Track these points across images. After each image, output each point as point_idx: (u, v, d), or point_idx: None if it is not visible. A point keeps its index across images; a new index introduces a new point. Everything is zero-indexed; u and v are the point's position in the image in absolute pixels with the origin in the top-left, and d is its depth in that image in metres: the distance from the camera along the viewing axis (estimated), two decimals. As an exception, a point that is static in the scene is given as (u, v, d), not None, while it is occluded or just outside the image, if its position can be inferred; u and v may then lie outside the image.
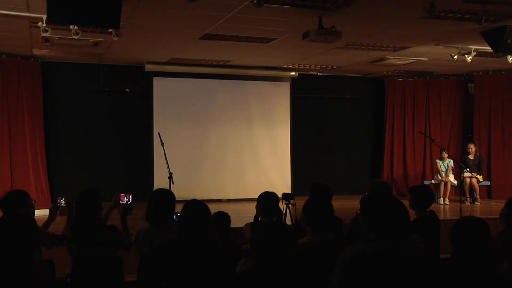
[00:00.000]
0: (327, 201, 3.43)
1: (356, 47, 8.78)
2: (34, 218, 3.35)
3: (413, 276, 2.88)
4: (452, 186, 10.65)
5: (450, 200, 10.52)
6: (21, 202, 4.00)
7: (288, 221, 5.96)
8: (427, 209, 4.49)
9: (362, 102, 12.44)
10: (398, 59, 9.97)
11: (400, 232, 2.99)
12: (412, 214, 3.88)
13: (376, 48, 8.91)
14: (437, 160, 10.85)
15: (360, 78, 12.34)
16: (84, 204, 3.86)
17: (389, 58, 9.87)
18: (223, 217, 4.30)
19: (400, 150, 12.22)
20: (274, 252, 3.14)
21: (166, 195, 4.07)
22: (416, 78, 12.19)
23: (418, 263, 2.96)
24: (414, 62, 10.23)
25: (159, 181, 10.10)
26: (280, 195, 4.77)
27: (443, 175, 10.54)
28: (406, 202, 3.47)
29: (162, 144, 8.12)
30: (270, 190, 4.64)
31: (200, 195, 6.38)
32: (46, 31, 6.67)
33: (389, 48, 8.97)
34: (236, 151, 11.21)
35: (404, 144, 12.21)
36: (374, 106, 12.56)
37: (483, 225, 2.95)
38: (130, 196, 4.32)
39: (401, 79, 12.22)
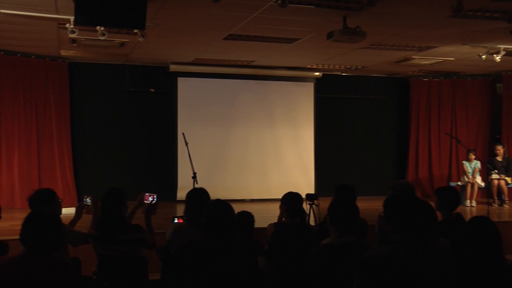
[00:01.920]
0: (351, 201, 3.40)
1: (381, 47, 8.70)
2: (59, 216, 3.40)
3: (437, 279, 2.84)
4: (479, 187, 10.48)
5: (477, 202, 10.34)
6: (48, 200, 4.07)
7: (312, 222, 5.94)
8: (453, 211, 4.42)
9: (387, 103, 12.32)
10: (424, 59, 9.85)
11: (425, 233, 2.95)
12: (438, 216, 3.82)
13: (401, 48, 8.81)
14: (464, 162, 10.68)
15: (385, 78, 12.22)
16: (109, 203, 3.90)
17: (414, 58, 9.75)
18: (247, 217, 4.30)
19: (425, 151, 12.07)
20: (290, 251, 3.13)
21: (203, 194, 4.07)
22: (442, 78, 12.01)
23: (443, 266, 2.92)
24: (440, 62, 10.09)
25: (183, 181, 10.20)
26: (303, 196, 4.75)
27: (470, 176, 10.37)
28: (431, 204, 3.42)
29: (186, 144, 8.18)
30: (293, 190, 4.63)
31: (223, 195, 6.37)
32: (74, 32, 6.78)
33: (414, 48, 8.86)
34: (259, 151, 11.22)
35: (429, 145, 12.06)
36: (399, 107, 12.42)
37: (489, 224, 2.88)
38: (155, 196, 4.35)
39: (426, 79, 12.06)
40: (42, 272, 2.88)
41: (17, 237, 3.07)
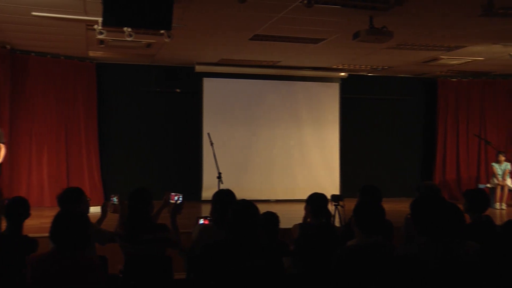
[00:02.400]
0: (377, 203, 3.37)
1: (408, 47, 8.60)
2: (88, 215, 3.45)
3: (465, 281, 2.80)
4: (509, 190, 10.28)
5: (507, 205, 10.14)
6: (77, 199, 4.13)
7: (337, 223, 5.90)
8: (483, 214, 4.34)
9: (414, 103, 12.16)
10: (452, 59, 9.69)
11: (452, 235, 2.91)
12: (466, 218, 3.75)
13: (429, 48, 8.69)
14: (493, 163, 10.48)
15: (412, 79, 12.07)
16: (135, 202, 3.94)
17: (442, 58, 9.61)
18: (272, 217, 4.30)
19: (453, 152, 11.88)
20: (317, 252, 3.12)
21: (229, 195, 4.07)
22: (471, 78, 11.81)
23: (471, 269, 2.87)
24: (469, 62, 9.92)
25: (208, 181, 10.25)
26: (328, 196, 4.72)
27: (500, 178, 10.17)
28: (459, 206, 3.37)
29: (212, 144, 8.22)
30: (318, 191, 4.60)
31: (248, 195, 6.36)
32: (102, 33, 6.88)
33: (442, 48, 8.73)
34: (284, 152, 11.21)
35: (457, 147, 11.87)
36: (426, 107, 12.25)
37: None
38: (180, 196, 4.37)
39: (455, 80, 11.88)
40: (71, 269, 2.93)
41: (46, 234, 3.12)
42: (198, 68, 10.55)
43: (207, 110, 10.87)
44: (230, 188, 4.25)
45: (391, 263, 2.95)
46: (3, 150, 7.54)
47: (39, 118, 9.53)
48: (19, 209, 3.99)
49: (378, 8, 6.21)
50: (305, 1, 5.73)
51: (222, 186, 7.26)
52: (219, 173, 7.97)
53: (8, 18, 6.99)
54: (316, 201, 4.44)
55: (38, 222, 6.87)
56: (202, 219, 4.42)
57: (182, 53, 9.53)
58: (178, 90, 10.83)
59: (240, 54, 9.53)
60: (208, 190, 9.43)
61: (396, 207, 7.26)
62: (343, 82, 11.49)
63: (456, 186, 11.70)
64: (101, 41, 8.11)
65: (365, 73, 11.68)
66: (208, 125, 10.54)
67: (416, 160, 12.20)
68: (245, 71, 10.78)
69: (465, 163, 11.80)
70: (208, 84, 10.91)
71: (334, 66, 10.88)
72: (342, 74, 11.34)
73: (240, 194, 3.96)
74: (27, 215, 4.03)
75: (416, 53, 9.16)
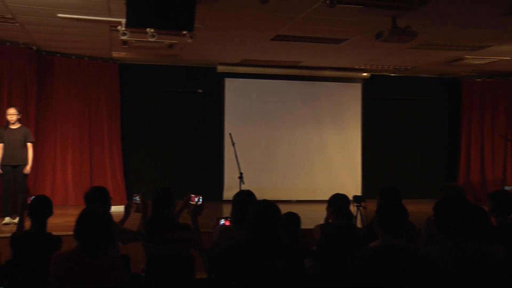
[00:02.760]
0: (401, 205, 3.33)
1: (432, 47, 8.49)
2: (111, 214, 3.48)
3: (488, 284, 2.75)
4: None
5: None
6: (103, 198, 4.19)
7: (358, 224, 5.86)
8: (509, 216, 4.27)
9: (437, 104, 12.02)
10: (477, 59, 9.54)
11: (476, 238, 2.87)
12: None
13: (453, 47, 8.57)
14: (519, 165, 10.29)
15: (435, 79, 11.92)
16: (159, 202, 3.96)
17: (467, 58, 9.46)
18: (293, 218, 4.29)
19: (477, 153, 11.70)
20: (338, 253, 3.10)
21: (250, 196, 4.07)
22: (496, 78, 11.61)
23: (496, 272, 2.82)
24: (494, 61, 9.75)
25: (230, 181, 10.28)
26: (350, 197, 4.69)
27: (526, 180, 9.97)
28: (484, 208, 3.32)
29: (233, 144, 8.24)
30: (339, 192, 4.58)
31: (269, 195, 6.35)
32: (125, 34, 6.96)
33: (467, 48, 8.60)
34: (306, 152, 11.18)
35: (482, 148, 11.69)
36: (449, 108, 12.09)
37: None
38: (201, 197, 4.39)
39: (479, 80, 11.69)
40: (95, 267, 2.97)
41: (71, 233, 3.17)
42: (220, 69, 10.59)
43: (229, 111, 10.91)
44: (251, 188, 4.25)
45: (414, 265, 2.92)
46: (31, 150, 7.67)
47: (64, 118, 9.67)
48: (43, 207, 4.05)
49: (402, 8, 6.15)
50: (327, 1, 5.71)
51: (244, 186, 7.27)
52: (241, 173, 7.99)
53: (35, 20, 7.12)
54: (338, 202, 4.43)
55: (63, 220, 7.00)
56: (223, 220, 4.43)
57: (204, 54, 9.58)
58: (200, 91, 10.88)
59: (262, 55, 9.53)
60: (230, 190, 9.46)
61: (419, 209, 7.15)
62: (365, 83, 11.41)
63: (481, 188, 11.52)
64: (124, 42, 8.20)
65: (387, 74, 11.58)
66: (230, 126, 10.57)
67: (439, 161, 12.05)
68: (266, 71, 10.78)
69: (490, 164, 11.61)
70: (230, 85, 10.94)
71: (356, 67, 10.81)
72: (364, 74, 11.26)
73: (261, 194, 3.96)
74: (50, 213, 4.10)
75: (440, 53, 9.04)
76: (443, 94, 12.06)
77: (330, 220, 4.53)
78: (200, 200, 4.39)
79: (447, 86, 12.05)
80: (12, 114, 7.54)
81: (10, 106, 7.93)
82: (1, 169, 7.53)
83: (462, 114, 11.80)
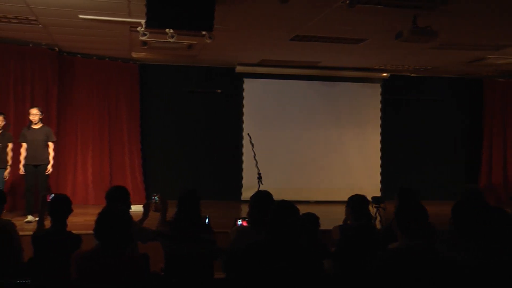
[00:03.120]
0: (421, 206, 3.30)
1: (453, 46, 8.38)
2: (131, 213, 3.51)
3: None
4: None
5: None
6: (123, 197, 4.22)
7: (377, 225, 5.82)
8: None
9: (458, 104, 11.87)
10: (500, 58, 9.39)
11: (495, 240, 2.82)
12: None
13: (475, 47, 8.45)
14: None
15: (456, 79, 11.78)
16: (187, 202, 3.95)
17: (489, 58, 9.33)
18: (312, 219, 4.28)
19: (499, 155, 11.52)
20: (357, 254, 3.08)
21: (267, 197, 4.06)
22: (520, 78, 11.44)
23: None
24: (518, 61, 9.60)
25: (248, 181, 10.29)
26: (369, 198, 4.66)
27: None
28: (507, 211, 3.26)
29: (252, 145, 8.24)
30: (358, 193, 4.56)
31: (288, 196, 6.33)
32: (145, 35, 7.01)
33: (490, 47, 8.47)
34: (325, 153, 11.14)
35: (505, 149, 11.51)
36: (471, 108, 11.93)
37: None
38: (157, 196, 4.57)
39: (502, 80, 11.51)
40: (114, 266, 2.99)
41: (91, 231, 3.20)
42: (239, 69, 10.61)
43: (248, 111, 10.92)
44: (270, 188, 4.24)
45: (434, 266, 2.89)
46: (52, 149, 7.78)
47: (84, 118, 9.79)
48: (62, 206, 4.10)
49: (422, 7, 6.09)
50: (347, 1, 5.68)
51: (262, 187, 7.27)
52: (259, 174, 7.99)
53: (57, 22, 7.22)
54: (357, 203, 4.40)
55: (83, 219, 7.08)
56: (240, 220, 4.43)
57: (223, 54, 9.60)
58: (219, 91, 10.91)
59: (281, 55, 9.52)
60: (248, 191, 9.46)
61: (439, 210, 7.06)
62: (385, 83, 11.33)
63: (503, 190, 11.34)
64: (144, 43, 8.26)
65: (407, 74, 11.47)
66: (248, 126, 10.58)
67: (460, 163, 11.89)
68: (285, 71, 10.77)
69: (513, 166, 11.44)
70: (249, 85, 10.96)
71: (376, 67, 10.74)
72: (384, 74, 11.18)
73: (279, 195, 3.95)
74: (69, 212, 4.15)
75: (462, 53, 8.93)
76: (464, 94, 11.91)
77: (349, 221, 4.50)
78: (156, 198, 4.51)
79: (468, 86, 11.89)
80: (35, 114, 7.67)
81: (33, 106, 8.06)
82: (24, 168, 7.65)
83: (483, 114, 11.63)
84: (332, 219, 5.88)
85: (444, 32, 6.96)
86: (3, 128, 7.65)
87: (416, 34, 6.41)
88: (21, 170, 7.65)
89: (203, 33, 6.89)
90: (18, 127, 8.13)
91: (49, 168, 7.74)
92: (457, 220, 2.97)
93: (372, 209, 5.25)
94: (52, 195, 4.42)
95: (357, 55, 9.28)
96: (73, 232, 4.14)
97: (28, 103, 8.59)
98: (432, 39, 6.61)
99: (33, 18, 7.04)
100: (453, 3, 5.92)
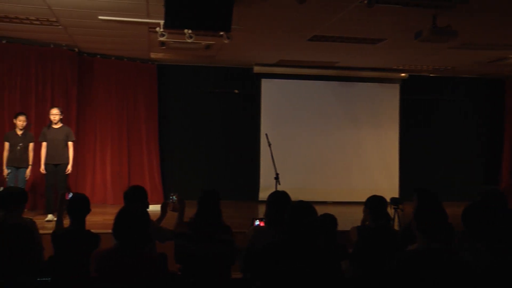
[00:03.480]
0: (440, 207, 3.26)
1: (474, 46, 8.28)
2: (149, 213, 3.53)
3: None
4: None
5: None
6: (141, 197, 4.25)
7: (396, 226, 5.77)
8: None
9: (478, 104, 11.72)
10: (522, 58, 9.26)
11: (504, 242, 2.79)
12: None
13: (496, 47, 8.33)
14: None
15: (476, 79, 11.63)
16: (207, 203, 3.95)
17: (511, 58, 9.18)
18: (330, 219, 4.26)
19: (521, 156, 11.35)
20: (375, 255, 3.05)
21: (284, 197, 4.06)
22: (542, 78, 11.25)
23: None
24: (541, 60, 9.44)
25: (265, 181, 10.28)
26: (387, 199, 4.62)
27: None
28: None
29: (269, 145, 8.24)
30: (376, 193, 4.52)
31: (305, 196, 6.32)
32: (163, 35, 7.05)
33: (511, 47, 8.34)
34: (342, 153, 11.09)
35: (526, 151, 11.33)
36: (491, 109, 11.77)
37: None
38: (174, 196, 4.55)
39: (524, 80, 11.34)
40: (133, 265, 3.02)
41: (109, 230, 3.23)
42: (257, 69, 10.62)
43: (265, 111, 10.92)
44: (287, 189, 4.24)
45: (453, 269, 2.86)
46: (71, 149, 7.86)
47: (103, 118, 9.88)
48: (80, 205, 4.14)
49: (443, 7, 6.02)
50: (366, 1, 5.64)
51: (280, 187, 7.26)
52: (277, 174, 7.98)
53: (77, 23, 7.31)
54: (375, 204, 4.37)
55: (102, 218, 7.16)
56: (257, 220, 4.43)
57: (240, 54, 9.61)
58: (236, 91, 10.93)
59: (299, 55, 9.50)
60: (265, 191, 9.45)
61: (457, 212, 6.98)
62: (403, 83, 11.23)
63: (524, 192, 11.16)
64: (162, 43, 8.31)
65: (426, 74, 11.36)
66: (266, 126, 10.58)
67: (479, 164, 11.73)
68: (303, 72, 10.75)
69: (536, 167, 11.25)
70: (266, 85, 10.95)
71: (394, 67, 10.65)
72: (403, 74, 11.09)
73: (297, 195, 3.94)
74: (88, 211, 4.19)
75: (482, 53, 8.81)
76: (484, 94, 11.75)
77: (367, 222, 4.47)
78: (174, 198, 4.49)
79: (489, 86, 11.73)
80: (55, 114, 7.75)
81: (53, 106, 8.16)
82: (44, 167, 7.74)
83: (505, 115, 11.46)
84: (349, 220, 5.85)
85: (464, 31, 6.87)
86: (25, 128, 7.76)
87: (435, 34, 6.34)
88: (42, 169, 7.75)
89: (221, 33, 6.90)
90: (39, 127, 8.23)
91: (69, 167, 7.83)
92: (467, 222, 2.95)
93: (390, 210, 5.21)
94: (71, 194, 4.47)
95: (375, 55, 9.21)
96: (92, 231, 4.18)
97: (49, 103, 8.70)
98: (452, 38, 6.53)
99: (54, 19, 7.14)
100: (473, 1, 5.84)
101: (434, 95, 11.53)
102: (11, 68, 8.52)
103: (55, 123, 7.79)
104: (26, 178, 7.76)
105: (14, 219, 4.09)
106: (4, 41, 8.36)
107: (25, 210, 4.51)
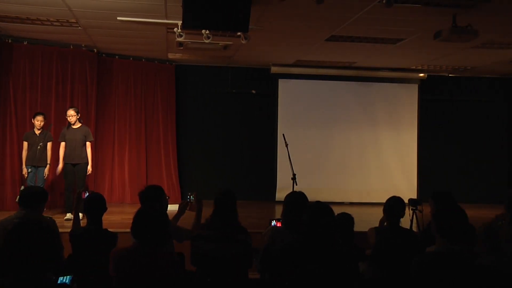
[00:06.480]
0: (460, 208, 3.23)
1: (494, 46, 8.17)
2: (167, 213, 3.55)
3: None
4: None
5: None
6: (158, 197, 4.27)
7: (414, 228, 5.71)
8: None
9: (499, 105, 11.55)
10: (544, 58, 9.11)
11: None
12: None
13: (517, 46, 8.22)
14: None
15: (497, 79, 11.47)
16: (221, 203, 3.96)
17: (532, 57, 9.05)
18: (347, 218, 4.24)
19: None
20: (394, 257, 3.03)
21: (301, 198, 4.04)
22: None
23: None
24: (563, 60, 9.28)
25: (283, 182, 10.27)
26: (405, 200, 4.58)
27: None
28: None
29: (287, 145, 8.21)
30: (394, 194, 4.48)
31: (322, 197, 6.30)
32: (181, 36, 7.09)
33: (533, 46, 8.22)
34: (360, 154, 11.03)
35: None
36: (512, 109, 11.60)
37: None
38: (191, 195, 4.52)
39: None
40: (151, 264, 3.03)
41: (127, 230, 3.26)
42: (274, 69, 10.61)
43: (282, 111, 10.91)
44: (304, 189, 4.22)
45: (473, 272, 2.82)
46: (90, 149, 7.92)
47: (121, 118, 9.95)
48: (96, 204, 4.18)
49: (463, 6, 5.94)
50: (384, 1, 5.60)
51: (297, 188, 7.24)
52: (294, 174, 7.95)
53: (96, 24, 7.39)
54: (393, 205, 4.34)
55: (120, 218, 7.22)
56: (274, 221, 4.42)
57: (258, 55, 9.62)
58: (253, 91, 10.94)
59: (316, 55, 9.47)
60: (282, 191, 9.44)
61: (479, 214, 6.90)
62: (422, 83, 11.13)
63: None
64: (180, 44, 8.35)
65: (446, 74, 11.24)
66: (283, 126, 10.56)
67: (502, 166, 11.55)
68: (320, 72, 10.70)
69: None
70: (284, 85, 10.94)
71: (413, 67, 10.56)
72: (421, 75, 10.99)
73: (314, 196, 3.93)
74: (104, 209, 4.22)
75: (503, 52, 8.69)
76: (505, 94, 11.58)
77: (385, 224, 4.44)
78: (192, 197, 4.48)
79: (509, 86, 11.55)
80: (71, 115, 7.73)
81: (70, 107, 8.20)
82: (63, 167, 7.81)
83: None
84: (367, 221, 5.81)
85: (485, 30, 6.78)
86: (44, 127, 7.84)
87: (455, 33, 6.26)
88: (60, 167, 7.82)
89: (239, 34, 6.91)
90: (59, 127, 8.32)
91: (89, 168, 7.86)
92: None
93: (409, 212, 5.16)
94: (87, 193, 4.51)
95: (393, 55, 9.14)
96: (110, 230, 4.21)
97: (68, 103, 8.80)
98: (472, 38, 6.45)
99: (73, 20, 7.22)
100: (495, 0, 5.76)
101: (453, 95, 11.40)
102: (33, 68, 8.64)
103: (73, 124, 7.83)
104: (45, 177, 7.84)
105: (35, 217, 4.13)
106: (25, 42, 8.48)
107: (44, 209, 4.56)
